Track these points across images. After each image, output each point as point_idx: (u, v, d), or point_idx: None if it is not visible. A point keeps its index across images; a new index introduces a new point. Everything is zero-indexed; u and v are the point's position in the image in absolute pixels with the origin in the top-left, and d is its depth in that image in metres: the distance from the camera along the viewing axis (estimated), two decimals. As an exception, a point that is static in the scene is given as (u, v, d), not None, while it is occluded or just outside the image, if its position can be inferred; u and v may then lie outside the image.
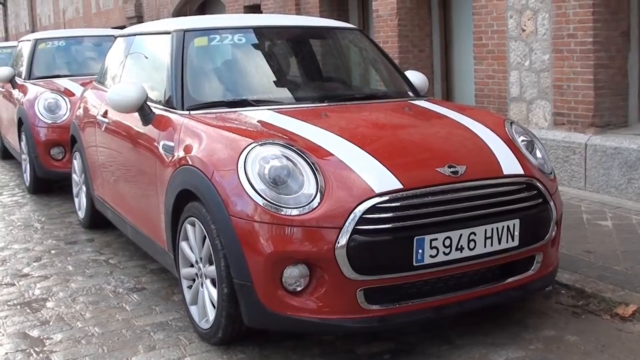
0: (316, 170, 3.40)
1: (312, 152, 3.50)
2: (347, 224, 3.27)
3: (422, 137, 3.86)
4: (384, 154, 3.55)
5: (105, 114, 5.34)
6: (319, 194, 3.34)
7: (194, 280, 3.92)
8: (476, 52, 7.30)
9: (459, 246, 3.41)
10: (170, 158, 4.04)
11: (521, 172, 3.71)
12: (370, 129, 3.97)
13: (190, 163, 3.78)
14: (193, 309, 3.93)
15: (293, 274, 3.34)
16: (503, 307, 3.97)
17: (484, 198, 3.52)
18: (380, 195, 3.33)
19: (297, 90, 4.65)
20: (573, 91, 6.30)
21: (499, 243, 3.51)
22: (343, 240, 3.25)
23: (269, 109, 4.16)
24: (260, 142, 3.53)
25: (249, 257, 3.37)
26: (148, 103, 4.45)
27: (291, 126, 3.83)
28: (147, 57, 5.09)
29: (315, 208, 3.32)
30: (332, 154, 3.51)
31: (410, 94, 4.86)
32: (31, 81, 8.24)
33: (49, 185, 7.90)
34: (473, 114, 4.26)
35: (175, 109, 4.26)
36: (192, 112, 4.18)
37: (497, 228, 3.49)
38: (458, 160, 3.58)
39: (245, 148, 3.50)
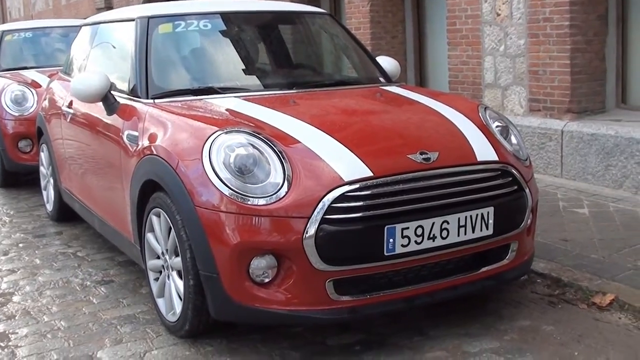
0: (283, 158, 3.30)
1: (279, 140, 3.39)
2: (315, 213, 3.16)
3: (393, 124, 3.75)
4: (353, 141, 3.44)
5: (70, 105, 5.22)
6: (286, 182, 3.23)
7: (160, 272, 3.83)
8: (450, 37, 7.21)
9: (432, 235, 3.31)
10: (135, 148, 3.92)
11: (495, 158, 3.62)
12: (339, 115, 3.86)
13: (155, 153, 3.67)
14: (160, 302, 3.84)
15: (260, 265, 3.24)
16: (477, 297, 3.88)
17: (457, 185, 3.42)
18: (350, 183, 3.23)
19: (265, 77, 4.53)
20: (549, 76, 6.22)
21: (473, 232, 3.42)
22: (311, 230, 3.15)
23: (235, 97, 4.05)
24: (225, 130, 3.41)
25: (214, 248, 3.27)
26: (113, 92, 4.33)
27: (258, 114, 3.71)
28: (112, 46, 4.96)
29: (282, 197, 3.21)
30: (299, 142, 3.40)
31: (382, 80, 4.75)
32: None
33: (18, 179, 7.76)
34: (446, 100, 4.17)
35: (140, 97, 4.15)
36: (156, 100, 4.07)
37: (470, 216, 3.40)
38: (430, 146, 3.48)
39: (210, 136, 3.39)
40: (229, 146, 3.34)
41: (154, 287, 3.89)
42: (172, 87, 4.22)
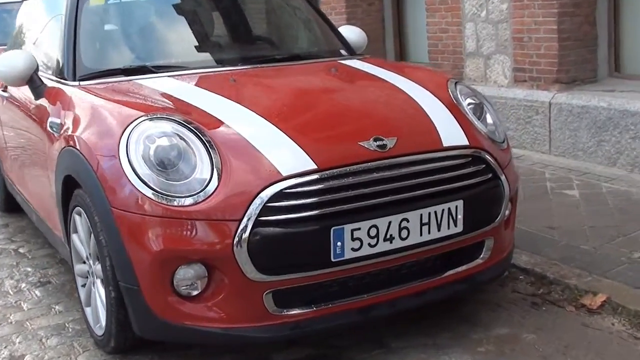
0: (212, 149, 2.80)
1: (208, 128, 2.89)
2: (247, 214, 2.68)
3: (345, 105, 3.24)
4: (296, 127, 2.95)
5: (5, 88, 4.70)
6: (214, 178, 2.74)
7: (87, 278, 3.35)
8: (428, 3, 6.65)
9: (388, 236, 2.82)
10: (57, 137, 3.42)
11: (465, 142, 3.12)
12: (283, 96, 3.35)
13: (72, 144, 3.17)
14: (88, 311, 3.40)
15: (187, 276, 2.76)
16: (448, 300, 3.39)
17: (418, 176, 2.93)
18: (289, 178, 2.74)
19: (207, 52, 4.00)
20: (535, 43, 5.68)
21: (439, 230, 2.93)
22: (243, 234, 2.66)
23: (170, 76, 3.53)
24: (145, 118, 2.91)
25: (133, 257, 2.79)
26: (41, 74, 3.83)
27: (190, 96, 3.21)
28: (46, 22, 4.43)
29: (209, 196, 2.72)
30: (232, 130, 2.90)
31: (344, 52, 4.23)
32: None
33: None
34: (411, 74, 3.66)
35: (66, 79, 3.63)
36: (82, 83, 3.55)
37: (435, 212, 2.91)
38: (387, 131, 2.98)
39: (129, 126, 2.89)
40: (149, 136, 2.84)
41: (82, 294, 3.45)
42: (102, 67, 3.71)
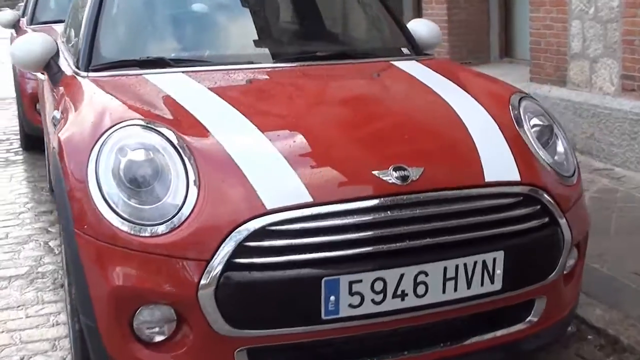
0: (191, 169, 2.30)
1: (192, 142, 2.39)
2: (218, 253, 2.17)
3: (368, 121, 2.65)
4: (299, 148, 2.41)
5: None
6: (187, 206, 2.24)
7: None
8: (533, -5, 5.90)
9: (399, 292, 2.25)
10: (55, 133, 3.03)
11: (516, 177, 2.48)
12: (298, 106, 2.78)
13: (55, 145, 2.76)
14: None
15: (151, 319, 2.29)
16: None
17: (446, 218, 2.33)
18: (274, 212, 2.20)
19: (235, 46, 3.44)
20: (647, 49, 4.87)
21: (468, 287, 2.33)
22: (210, 277, 2.15)
23: (184, 72, 3.03)
24: (124, 125, 2.44)
25: (92, 290, 2.34)
26: (60, 62, 3.47)
27: (190, 99, 2.72)
28: (81, 6, 4.05)
29: (177, 227, 2.23)
30: (220, 146, 2.38)
31: (406, 51, 3.61)
32: (32, 26, 7.36)
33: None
34: (471, 83, 3.05)
35: (79, 69, 3.23)
36: (93, 74, 3.13)
37: (465, 265, 2.31)
38: (413, 158, 2.39)
39: (104, 134, 2.42)
40: (122, 148, 2.36)
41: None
42: (117, 57, 3.26)
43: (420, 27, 3.79)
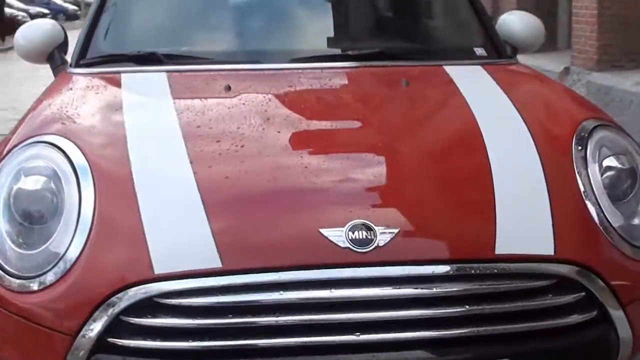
0: (88, 203, 1.72)
1: (102, 167, 1.81)
2: (86, 328, 1.58)
3: (349, 155, 1.91)
4: (230, 192, 1.76)
5: None
6: (67, 258, 1.67)
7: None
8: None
9: None
10: None
11: (549, 250, 1.71)
12: (263, 131, 2.05)
13: None
14: None
15: None
16: None
17: (421, 306, 1.61)
18: (165, 279, 1.58)
19: (247, 41, 2.73)
20: None
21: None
22: (75, 359, 1.58)
23: (168, 71, 2.44)
24: (28, 142, 1.91)
25: None
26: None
27: (139, 111, 2.13)
28: None
29: (49, 286, 1.67)
30: (129, 177, 1.77)
31: (480, 52, 2.78)
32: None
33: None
34: (534, 104, 2.25)
35: (71, 63, 2.74)
36: (78, 69, 2.61)
37: None
38: (388, 214, 1.69)
39: (8, 154, 1.90)
40: (18, 172, 1.83)
41: None
42: (111, 50, 2.71)
43: (513, 22, 2.95)
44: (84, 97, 2.29)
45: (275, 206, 1.71)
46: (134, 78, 2.41)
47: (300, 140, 1.89)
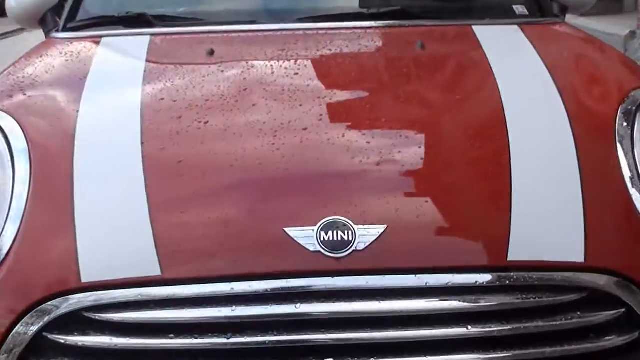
0: (18, 196, 1.45)
1: (42, 148, 1.53)
2: (5, 347, 1.31)
3: (334, 138, 1.55)
4: (183, 182, 1.44)
5: None
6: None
7: None
8: None
9: None
10: None
11: (579, 257, 1.36)
12: (238, 104, 1.70)
13: None
14: None
15: None
16: None
17: (411, 325, 1.29)
18: (94, 289, 1.29)
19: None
20: None
21: None
22: None
23: (153, 34, 2.13)
24: None
25: None
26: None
27: (104, 82, 1.82)
28: None
29: None
30: (69, 163, 1.48)
31: (521, 10, 2.37)
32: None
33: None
34: (574, 70, 1.88)
35: (59, 28, 2.46)
36: (62, 34, 2.33)
37: None
38: (372, 208, 1.36)
39: None
40: None
41: None
42: (101, 13, 2.42)
43: None
44: (53, 65, 2.01)
45: (233, 199, 1.40)
46: (113, 43, 2.11)
47: (278, 116, 1.55)
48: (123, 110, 1.65)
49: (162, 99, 1.67)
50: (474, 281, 1.31)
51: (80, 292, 1.30)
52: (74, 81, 1.83)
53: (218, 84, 1.74)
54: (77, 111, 1.64)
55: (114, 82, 1.82)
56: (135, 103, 1.64)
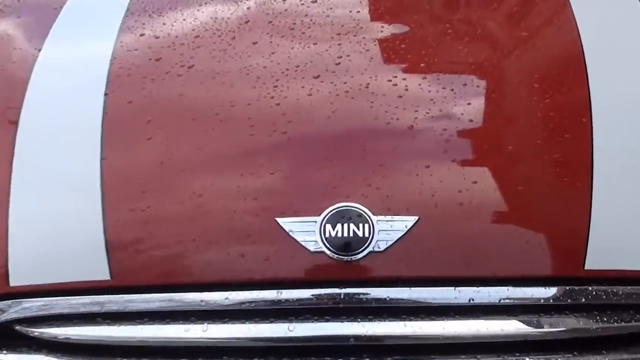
0: None
1: None
2: None
3: (349, 87, 1.17)
4: (143, 149, 1.08)
5: None
6: None
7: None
8: None
9: None
10: None
11: None
12: (238, 38, 1.32)
13: None
14: None
15: None
16: None
17: (435, 351, 0.96)
18: (27, 295, 0.98)
19: None
20: None
21: None
22: None
23: None
24: None
25: None
26: None
27: (70, 32, 1.47)
28: None
29: None
30: (9, 145, 1.13)
31: None
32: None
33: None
34: None
35: None
36: None
37: None
38: (400, 194, 1.00)
39: None
40: None
41: None
42: None
43: None
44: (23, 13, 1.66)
45: (210, 178, 1.04)
46: None
47: (283, 59, 1.18)
48: (93, 49, 1.30)
49: (142, 35, 1.31)
50: (537, 297, 0.95)
51: (7, 299, 0.99)
52: (47, 11, 1.49)
53: (214, 16, 1.37)
54: (39, 50, 1.29)
55: (91, 14, 1.46)
56: (110, 40, 1.29)
